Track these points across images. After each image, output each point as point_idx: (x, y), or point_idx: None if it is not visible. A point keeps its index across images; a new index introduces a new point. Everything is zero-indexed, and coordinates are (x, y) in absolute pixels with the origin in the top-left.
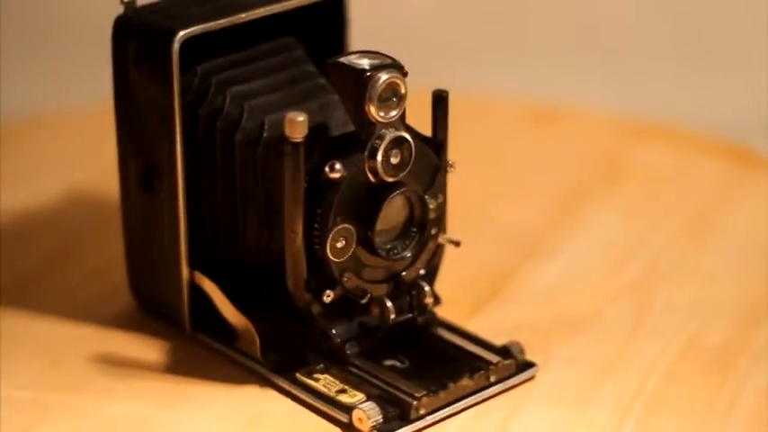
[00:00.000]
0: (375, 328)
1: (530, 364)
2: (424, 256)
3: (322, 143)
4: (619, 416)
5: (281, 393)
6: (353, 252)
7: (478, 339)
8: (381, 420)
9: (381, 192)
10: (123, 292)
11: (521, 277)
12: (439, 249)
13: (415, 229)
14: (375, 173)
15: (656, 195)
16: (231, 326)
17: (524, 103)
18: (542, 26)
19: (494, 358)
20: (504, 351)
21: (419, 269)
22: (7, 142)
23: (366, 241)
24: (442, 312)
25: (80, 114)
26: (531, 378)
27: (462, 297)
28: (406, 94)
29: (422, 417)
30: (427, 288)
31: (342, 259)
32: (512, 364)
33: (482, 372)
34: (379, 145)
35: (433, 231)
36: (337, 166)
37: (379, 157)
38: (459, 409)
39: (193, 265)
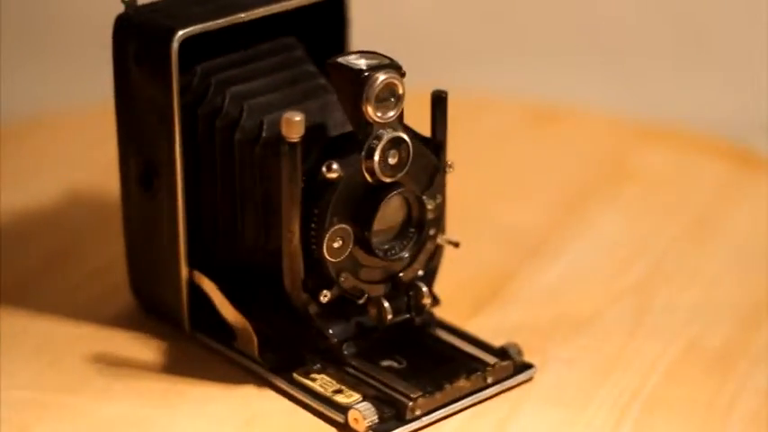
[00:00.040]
0: (372, 329)
1: (527, 366)
2: (423, 257)
3: (320, 143)
4: (617, 416)
5: (279, 393)
6: (351, 252)
7: (477, 340)
8: (377, 421)
9: (379, 192)
10: (123, 292)
11: (521, 278)
12: (438, 250)
13: (412, 230)
14: (372, 173)
15: (658, 196)
16: (230, 325)
17: (524, 103)
18: (542, 26)
19: (491, 359)
20: (502, 352)
21: (417, 270)
22: (7, 142)
23: (363, 242)
24: (441, 313)
25: (80, 114)
26: (529, 380)
27: (462, 298)
28: (403, 94)
29: (417, 417)
30: (425, 289)
31: (339, 259)
32: (509, 365)
33: (479, 373)
34: (377, 145)
35: (432, 232)
36: (334, 166)
37: (377, 158)
38: (456, 410)
39: (193, 265)
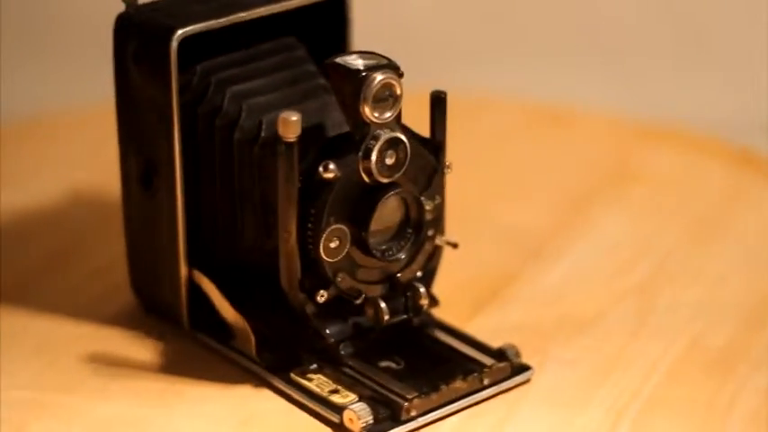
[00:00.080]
0: (369, 329)
1: (525, 368)
2: (421, 258)
3: (317, 143)
4: (614, 418)
5: (276, 393)
6: (348, 252)
7: (475, 341)
8: (372, 421)
9: (376, 192)
10: (124, 292)
11: (523, 278)
12: (437, 251)
13: (410, 231)
14: (369, 173)
15: (662, 197)
16: (228, 324)
17: (524, 103)
18: (542, 26)
19: (488, 361)
20: (500, 354)
21: (415, 271)
22: (7, 142)
23: (360, 242)
24: (441, 314)
25: (80, 114)
26: (527, 381)
27: (463, 298)
28: (401, 95)
29: (413, 418)
30: (423, 290)
31: (335, 259)
32: (506, 366)
33: (476, 374)
34: (374, 146)
35: (430, 233)
36: (331, 166)
37: (374, 158)
38: (452, 411)
39: (192, 264)
